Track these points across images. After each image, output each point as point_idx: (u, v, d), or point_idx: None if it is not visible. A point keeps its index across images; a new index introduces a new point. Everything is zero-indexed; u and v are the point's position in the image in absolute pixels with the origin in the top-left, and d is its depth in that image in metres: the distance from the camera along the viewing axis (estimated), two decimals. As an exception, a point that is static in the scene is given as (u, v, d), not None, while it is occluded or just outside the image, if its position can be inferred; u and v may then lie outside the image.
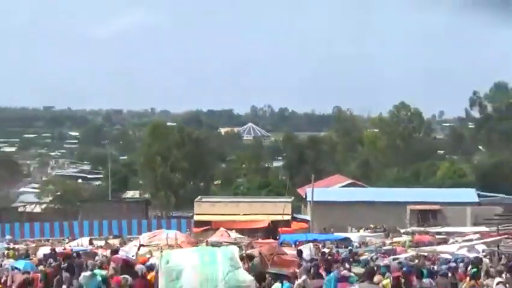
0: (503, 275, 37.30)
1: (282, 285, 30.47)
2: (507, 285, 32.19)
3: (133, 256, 49.61)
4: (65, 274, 36.91)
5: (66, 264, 40.60)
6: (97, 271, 36.89)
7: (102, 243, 67.31)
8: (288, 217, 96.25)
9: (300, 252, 50.64)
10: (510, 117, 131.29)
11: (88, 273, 35.17)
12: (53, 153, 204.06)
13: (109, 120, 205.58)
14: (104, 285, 34.79)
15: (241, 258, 37.04)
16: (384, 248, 67.46)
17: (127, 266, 41.70)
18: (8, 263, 45.30)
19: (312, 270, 38.30)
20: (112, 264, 40.46)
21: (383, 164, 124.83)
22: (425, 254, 58.40)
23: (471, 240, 73.10)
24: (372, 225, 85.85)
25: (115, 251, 49.70)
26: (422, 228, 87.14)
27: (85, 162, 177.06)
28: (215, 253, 33.14)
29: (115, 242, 69.55)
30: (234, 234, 65.33)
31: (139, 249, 55.07)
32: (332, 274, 33.09)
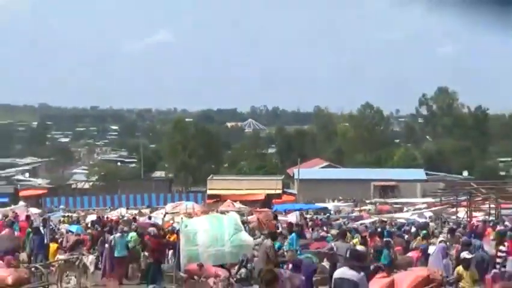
0: (445, 235, 37.34)
1: (275, 242, 30.40)
2: (447, 242, 32.15)
3: (159, 222, 50.08)
4: (106, 235, 36.93)
5: (107, 228, 40.68)
6: (132, 234, 37.08)
7: (136, 211, 67.43)
8: (280, 191, 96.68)
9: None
10: (450, 114, 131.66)
11: (118, 234, 35.34)
12: (98, 143, 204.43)
13: (141, 116, 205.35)
14: (133, 243, 35.23)
15: (243, 222, 37.28)
16: (353, 214, 67.54)
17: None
18: (64, 227, 45.27)
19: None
20: (151, 228, 40.78)
21: (352, 151, 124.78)
22: (385, 219, 58.25)
23: (420, 209, 73.22)
24: (341, 198, 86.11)
25: (133, 219, 50.69)
26: (382, 200, 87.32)
27: (123, 149, 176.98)
28: (222, 219, 33.37)
29: (146, 211, 69.61)
30: (238, 205, 65.40)
31: (164, 216, 55.32)
32: (293, 234, 32.91)
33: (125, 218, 52.27)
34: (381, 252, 29.88)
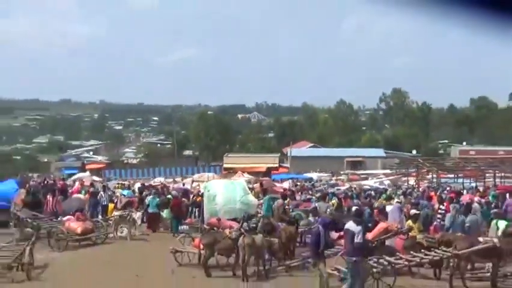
0: (400, 198, 37.49)
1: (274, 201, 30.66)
2: (401, 203, 32.22)
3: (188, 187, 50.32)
4: (148, 198, 37.12)
5: (149, 192, 40.67)
6: (170, 196, 37.29)
7: (171, 180, 67.49)
8: (277, 165, 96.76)
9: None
10: (402, 109, 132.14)
11: (151, 196, 35.81)
12: (143, 130, 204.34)
13: (174, 110, 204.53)
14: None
15: (250, 188, 37.53)
16: (331, 182, 67.45)
17: (185, 192, 42.18)
18: (118, 191, 45.14)
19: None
20: (173, 191, 40.76)
21: (330, 135, 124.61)
22: (355, 186, 58.32)
23: (381, 178, 73.27)
24: (322, 170, 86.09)
25: (163, 186, 50.45)
26: (352, 171, 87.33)
27: (161, 134, 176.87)
28: (234, 185, 33.38)
29: (179, 179, 69.51)
30: (246, 175, 65.56)
31: (192, 183, 55.64)
32: (267, 196, 32.80)
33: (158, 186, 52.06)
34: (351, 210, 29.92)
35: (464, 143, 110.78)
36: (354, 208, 21.69)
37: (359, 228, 17.38)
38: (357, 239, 17.01)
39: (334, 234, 23.14)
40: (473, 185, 57.59)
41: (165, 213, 35.34)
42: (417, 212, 25.27)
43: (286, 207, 31.09)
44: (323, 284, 18.17)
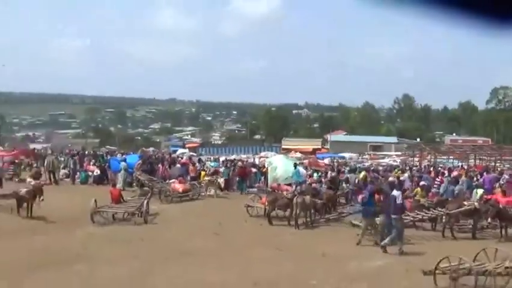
0: (408, 172, 37.06)
1: (318, 174, 30.68)
2: (409, 175, 32.13)
3: (257, 161, 50.30)
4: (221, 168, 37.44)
5: (225, 164, 40.64)
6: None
7: (245, 156, 67.51)
8: (320, 147, 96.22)
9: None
10: (410, 109, 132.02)
11: (223, 167, 36.43)
12: (226, 120, 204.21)
13: (249, 107, 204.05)
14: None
15: (300, 163, 37.35)
16: (359, 160, 67.06)
17: (253, 165, 42.11)
18: (208, 163, 45.33)
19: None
20: (239, 163, 40.86)
21: (358, 126, 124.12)
22: (376, 163, 58.07)
23: (394, 158, 72.57)
24: (349, 151, 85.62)
25: (239, 160, 50.12)
26: (374, 152, 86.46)
27: (238, 124, 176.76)
28: (290, 160, 33.53)
29: (250, 155, 69.58)
30: (298, 154, 65.46)
31: (260, 158, 55.69)
32: (297, 168, 32.15)
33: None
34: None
35: (454, 134, 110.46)
36: (390, 179, 23.41)
37: (399, 193, 17.86)
38: (398, 201, 17.33)
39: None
40: (460, 164, 57.82)
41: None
42: (425, 183, 26.11)
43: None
44: (363, 234, 18.31)
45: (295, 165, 30.64)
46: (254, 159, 57.48)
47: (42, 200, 21.68)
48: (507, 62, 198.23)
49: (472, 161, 63.03)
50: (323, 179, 29.79)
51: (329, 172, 34.51)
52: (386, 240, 17.06)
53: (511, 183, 29.39)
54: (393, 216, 17.32)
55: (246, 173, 35.98)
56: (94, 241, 17.55)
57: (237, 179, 34.98)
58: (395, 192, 17.83)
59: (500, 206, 20.66)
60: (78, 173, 35.45)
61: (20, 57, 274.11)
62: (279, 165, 31.50)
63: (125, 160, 34.85)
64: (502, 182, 29.91)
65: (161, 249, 16.72)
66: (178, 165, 37.20)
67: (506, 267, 12.14)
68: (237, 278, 13.40)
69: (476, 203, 20.69)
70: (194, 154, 66.89)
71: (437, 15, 3.21)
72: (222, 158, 55.50)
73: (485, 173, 35.83)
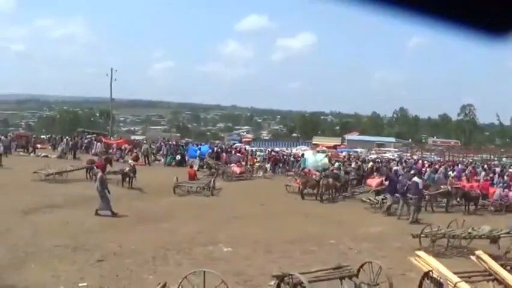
0: (403, 164, 36.68)
1: (338, 163, 30.41)
2: (403, 166, 31.85)
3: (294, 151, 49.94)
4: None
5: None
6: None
7: (285, 149, 66.98)
8: (339, 143, 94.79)
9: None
10: (404, 118, 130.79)
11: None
12: (272, 122, 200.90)
13: (289, 113, 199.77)
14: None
15: (326, 155, 36.76)
16: (368, 154, 66.43)
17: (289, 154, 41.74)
18: (257, 153, 44.66)
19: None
20: (273, 153, 40.50)
21: (368, 129, 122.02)
22: (380, 156, 57.49)
23: (393, 153, 71.82)
24: (361, 147, 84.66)
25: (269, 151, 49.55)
26: (378, 149, 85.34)
27: (281, 125, 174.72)
28: (317, 153, 33.37)
29: (289, 149, 69.07)
30: (324, 148, 65.06)
31: (297, 150, 55.13)
32: (323, 159, 31.09)
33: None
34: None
35: (435, 137, 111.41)
36: (394, 169, 24.77)
37: (420, 181, 18.18)
38: (420, 186, 17.55)
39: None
40: (439, 158, 60.12)
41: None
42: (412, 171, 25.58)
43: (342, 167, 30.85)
44: (388, 210, 18.18)
45: (325, 157, 30.86)
46: (291, 151, 57.16)
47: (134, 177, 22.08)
48: (475, 83, 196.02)
49: (447, 157, 65.24)
50: (341, 167, 29.63)
51: (354, 162, 34.09)
52: (411, 216, 16.88)
53: (473, 173, 30.32)
54: (413, 196, 17.46)
55: (278, 159, 35.76)
56: (175, 207, 17.85)
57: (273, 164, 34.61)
58: (417, 179, 17.94)
59: (465, 189, 21.07)
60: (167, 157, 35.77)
61: (125, 72, 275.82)
62: (310, 156, 31.58)
63: (200, 149, 35.12)
64: (467, 172, 31.32)
65: (222, 213, 16.94)
66: (238, 154, 37.39)
67: (469, 233, 12.61)
68: (275, 235, 13.51)
69: (449, 187, 20.82)
70: (248, 146, 66.88)
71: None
72: (268, 149, 55.38)
73: (455, 166, 36.45)
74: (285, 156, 38.85)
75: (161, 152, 37.61)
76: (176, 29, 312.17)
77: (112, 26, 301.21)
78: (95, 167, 22.22)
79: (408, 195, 17.89)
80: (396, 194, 18.33)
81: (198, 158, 32.55)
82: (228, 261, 10.52)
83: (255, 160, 36.25)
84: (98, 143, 39.07)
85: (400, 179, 18.75)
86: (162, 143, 41.26)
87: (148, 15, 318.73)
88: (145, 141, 47.29)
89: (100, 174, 16.52)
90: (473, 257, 8.82)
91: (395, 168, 26.68)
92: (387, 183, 19.53)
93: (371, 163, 33.98)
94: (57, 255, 10.39)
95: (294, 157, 38.86)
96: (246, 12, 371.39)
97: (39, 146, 40.25)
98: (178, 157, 34.61)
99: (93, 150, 37.22)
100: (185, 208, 17.66)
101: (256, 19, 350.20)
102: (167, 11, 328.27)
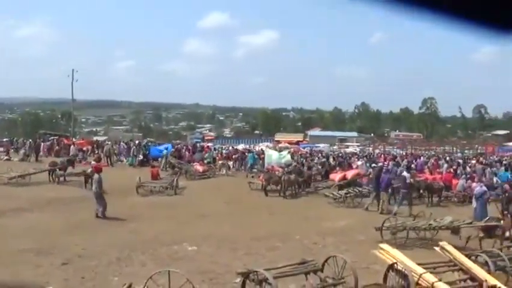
0: (365, 158, 37.12)
1: (301, 159, 30.51)
2: (365, 160, 32.16)
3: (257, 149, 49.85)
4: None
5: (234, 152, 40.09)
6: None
7: (248, 146, 66.75)
8: (302, 139, 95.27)
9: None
10: (367, 112, 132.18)
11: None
12: (234, 119, 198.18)
13: (251, 110, 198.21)
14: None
15: (288, 152, 36.73)
16: (330, 149, 67.04)
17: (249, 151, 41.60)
18: (220, 150, 44.37)
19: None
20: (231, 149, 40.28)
21: (330, 125, 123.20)
22: (342, 151, 57.94)
23: (355, 147, 72.60)
24: (324, 143, 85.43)
25: (235, 149, 49.36)
26: (340, 143, 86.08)
27: (243, 122, 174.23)
28: (279, 150, 33.38)
29: (252, 146, 68.84)
30: (286, 144, 65.25)
31: (259, 147, 55.05)
32: (251, 154, 32.21)
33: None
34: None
35: (397, 131, 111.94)
36: (405, 162, 26.35)
37: (409, 175, 18.71)
38: (408, 180, 18.09)
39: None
40: (401, 152, 60.04)
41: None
42: (374, 165, 25.90)
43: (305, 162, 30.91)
44: (382, 206, 17.93)
45: (288, 153, 30.99)
46: (254, 147, 57.02)
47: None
48: (436, 76, 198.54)
49: (410, 150, 64.67)
50: (304, 162, 29.67)
51: (318, 158, 34.21)
52: (395, 207, 17.21)
53: (435, 166, 30.64)
54: (403, 190, 17.85)
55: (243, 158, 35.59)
56: (139, 207, 17.67)
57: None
58: (406, 174, 18.46)
59: (428, 181, 21.20)
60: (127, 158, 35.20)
61: (86, 72, 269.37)
62: (273, 153, 31.79)
63: (166, 149, 34.60)
64: (429, 165, 31.24)
65: (186, 212, 16.82)
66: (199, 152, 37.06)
67: (430, 224, 12.66)
68: (240, 233, 13.51)
69: (411, 180, 20.32)
70: (210, 144, 66.45)
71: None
72: (230, 147, 55.19)
73: (417, 159, 36.89)
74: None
75: (131, 152, 36.71)
76: (137, 28, 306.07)
77: (72, 26, 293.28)
78: (91, 169, 21.87)
79: (392, 188, 18.40)
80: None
81: (164, 157, 32.06)
82: (193, 260, 10.49)
83: (218, 157, 36.15)
84: (72, 146, 38.08)
85: (383, 176, 18.81)
86: (131, 143, 40.40)
87: (108, 14, 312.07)
88: (107, 142, 46.50)
89: (96, 176, 16.16)
90: (437, 248, 8.98)
91: (379, 164, 26.80)
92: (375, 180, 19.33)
93: (331, 158, 34.38)
94: (22, 259, 10.19)
95: (254, 153, 38.88)
96: (208, 9, 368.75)
97: (1, 149, 39.13)
98: (140, 157, 34.12)
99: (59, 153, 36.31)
100: (149, 208, 17.50)
101: (217, 17, 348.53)
102: (127, 9, 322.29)
